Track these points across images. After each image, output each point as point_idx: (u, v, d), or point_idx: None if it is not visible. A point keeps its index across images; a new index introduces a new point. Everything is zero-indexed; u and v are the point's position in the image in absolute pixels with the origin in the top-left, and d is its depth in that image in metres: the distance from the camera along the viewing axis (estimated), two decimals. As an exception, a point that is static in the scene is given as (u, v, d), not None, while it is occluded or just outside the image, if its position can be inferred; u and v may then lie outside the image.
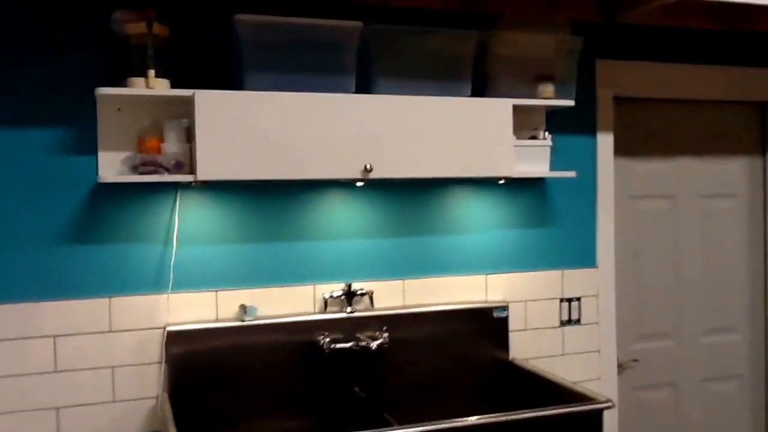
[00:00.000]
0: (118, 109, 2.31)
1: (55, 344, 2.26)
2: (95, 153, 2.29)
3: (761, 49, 3.17)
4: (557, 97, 2.59)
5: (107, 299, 2.32)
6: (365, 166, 2.28)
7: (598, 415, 2.29)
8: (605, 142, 2.91)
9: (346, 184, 2.56)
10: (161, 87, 2.19)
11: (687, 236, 3.22)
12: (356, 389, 2.51)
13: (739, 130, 3.29)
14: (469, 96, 2.48)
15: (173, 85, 2.22)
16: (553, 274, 2.86)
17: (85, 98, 2.26)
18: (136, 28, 2.18)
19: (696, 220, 3.23)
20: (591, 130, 2.90)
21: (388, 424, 2.18)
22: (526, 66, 2.57)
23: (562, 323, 2.87)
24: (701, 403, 3.25)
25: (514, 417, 2.16)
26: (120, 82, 2.21)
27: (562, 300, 2.87)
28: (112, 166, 2.30)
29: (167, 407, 2.20)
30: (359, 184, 2.55)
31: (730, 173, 3.28)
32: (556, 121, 2.81)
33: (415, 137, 2.35)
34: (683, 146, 3.19)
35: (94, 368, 2.30)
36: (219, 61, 2.38)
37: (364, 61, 2.39)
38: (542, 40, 2.59)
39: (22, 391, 2.23)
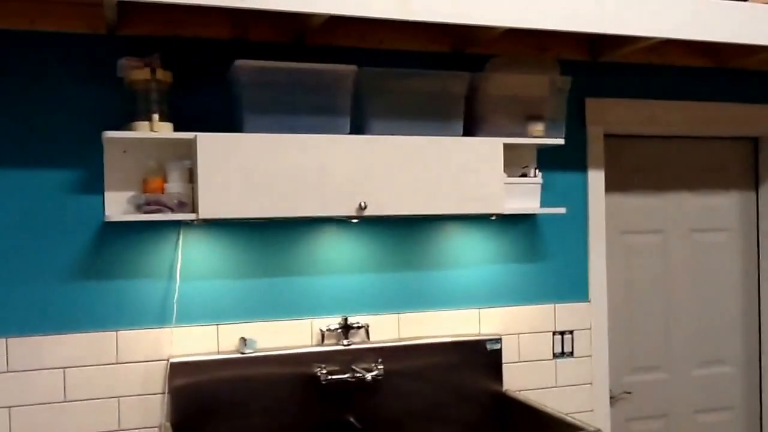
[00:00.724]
0: (124, 151, 2.46)
1: (64, 375, 2.41)
2: (102, 193, 2.45)
3: (751, 85, 3.30)
4: (547, 135, 2.71)
5: (114, 332, 2.46)
6: (360, 204, 2.41)
7: (587, 445, 2.40)
8: (596, 178, 3.04)
9: (342, 221, 2.70)
10: (165, 130, 2.34)
11: (678, 270, 3.33)
12: (352, 419, 2.63)
13: (731, 165, 3.41)
14: (461, 135, 2.61)
15: (176, 128, 2.38)
16: (546, 308, 2.98)
17: (92, 141, 2.43)
18: (141, 74, 2.34)
19: (687, 254, 3.35)
20: (582, 166, 3.03)
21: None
22: (516, 105, 2.70)
23: (555, 356, 2.98)
24: (694, 434, 3.36)
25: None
26: (125, 126, 2.36)
27: (554, 333, 2.98)
28: (118, 205, 2.45)
29: (169, 436, 2.35)
30: (354, 221, 2.69)
31: (721, 208, 3.40)
32: (548, 158, 2.95)
33: (408, 176, 2.48)
34: (674, 182, 3.32)
35: (101, 398, 2.44)
36: (220, 104, 2.55)
37: (358, 102, 2.52)
38: (532, 80, 2.72)
39: (34, 420, 2.38)
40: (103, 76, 2.45)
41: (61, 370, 2.41)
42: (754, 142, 3.44)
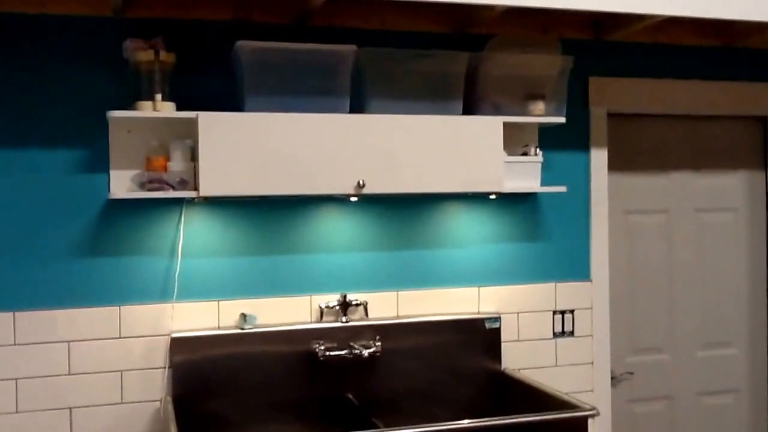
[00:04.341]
0: (129, 131, 2.68)
1: (69, 349, 2.65)
2: (107, 171, 2.68)
3: (759, 64, 3.45)
4: (548, 114, 2.90)
5: (117, 308, 2.70)
6: (358, 182, 2.60)
7: (583, 422, 2.57)
8: (599, 157, 3.22)
9: (342, 199, 2.90)
10: (167, 110, 2.55)
11: (683, 250, 3.50)
12: (350, 396, 2.84)
13: (738, 145, 3.57)
14: (461, 114, 2.79)
15: (179, 108, 2.58)
16: (546, 287, 3.17)
17: (98, 121, 2.65)
18: (145, 55, 2.55)
19: (692, 234, 3.51)
20: (584, 145, 3.21)
21: (377, 428, 2.51)
22: (517, 84, 2.88)
23: (556, 335, 3.17)
24: (697, 416, 3.51)
25: (497, 422, 2.45)
26: (130, 106, 2.57)
27: (555, 312, 3.17)
28: (122, 183, 2.68)
29: (170, 409, 2.57)
30: (354, 199, 2.88)
31: (728, 187, 3.56)
32: (550, 137, 3.12)
33: (407, 154, 2.66)
34: (679, 161, 3.48)
35: (105, 372, 2.68)
36: (222, 84, 2.75)
37: (358, 82, 2.70)
38: (533, 60, 2.89)
39: (40, 391, 2.62)
40: (108, 58, 2.67)
41: (66, 343, 2.65)
42: (763, 121, 3.59)
